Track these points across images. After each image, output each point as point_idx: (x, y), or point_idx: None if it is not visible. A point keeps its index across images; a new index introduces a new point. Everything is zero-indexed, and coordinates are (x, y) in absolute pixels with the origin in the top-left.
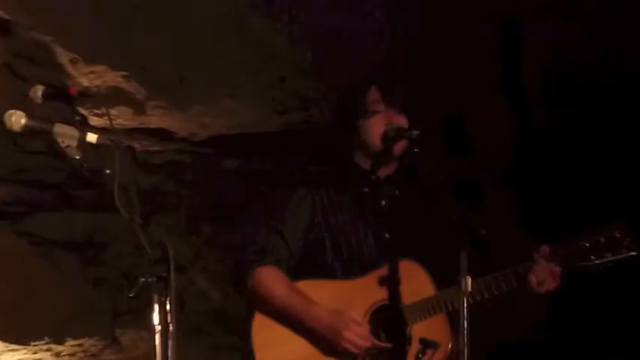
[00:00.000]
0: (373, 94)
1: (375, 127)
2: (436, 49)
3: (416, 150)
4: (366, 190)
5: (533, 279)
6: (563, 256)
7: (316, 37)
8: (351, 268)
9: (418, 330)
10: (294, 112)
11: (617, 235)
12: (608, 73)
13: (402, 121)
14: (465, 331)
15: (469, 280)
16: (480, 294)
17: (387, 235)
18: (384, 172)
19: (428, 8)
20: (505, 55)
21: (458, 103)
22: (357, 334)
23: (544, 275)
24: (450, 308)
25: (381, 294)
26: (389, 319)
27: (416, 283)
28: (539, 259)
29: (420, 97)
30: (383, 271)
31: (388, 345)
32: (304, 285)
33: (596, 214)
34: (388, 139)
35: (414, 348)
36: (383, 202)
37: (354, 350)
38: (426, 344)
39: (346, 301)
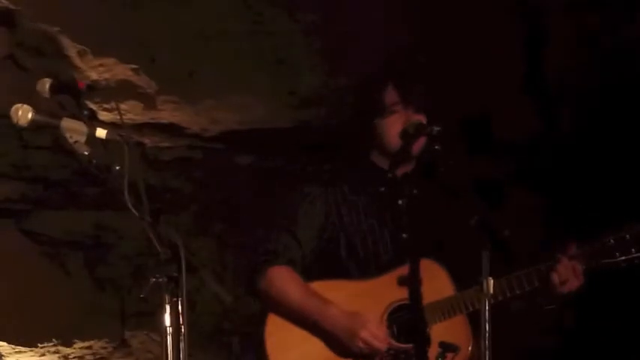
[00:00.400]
0: (391, 94)
1: (393, 127)
2: (458, 45)
3: (436, 147)
4: (383, 189)
5: (555, 277)
6: (588, 254)
7: (332, 31)
8: (367, 269)
9: (437, 331)
10: (308, 107)
11: None
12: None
13: (421, 119)
14: (487, 334)
15: (491, 281)
16: (502, 293)
17: (404, 235)
18: (401, 171)
19: (449, 3)
20: (529, 52)
21: (480, 101)
22: (374, 336)
23: (567, 274)
24: (471, 309)
25: (398, 294)
26: (408, 320)
27: (434, 282)
28: (562, 257)
29: (441, 95)
30: (401, 270)
31: (407, 346)
32: (319, 286)
33: (620, 215)
34: (408, 135)
35: (433, 350)
36: (400, 202)
37: (371, 352)
38: (445, 347)
39: (362, 302)
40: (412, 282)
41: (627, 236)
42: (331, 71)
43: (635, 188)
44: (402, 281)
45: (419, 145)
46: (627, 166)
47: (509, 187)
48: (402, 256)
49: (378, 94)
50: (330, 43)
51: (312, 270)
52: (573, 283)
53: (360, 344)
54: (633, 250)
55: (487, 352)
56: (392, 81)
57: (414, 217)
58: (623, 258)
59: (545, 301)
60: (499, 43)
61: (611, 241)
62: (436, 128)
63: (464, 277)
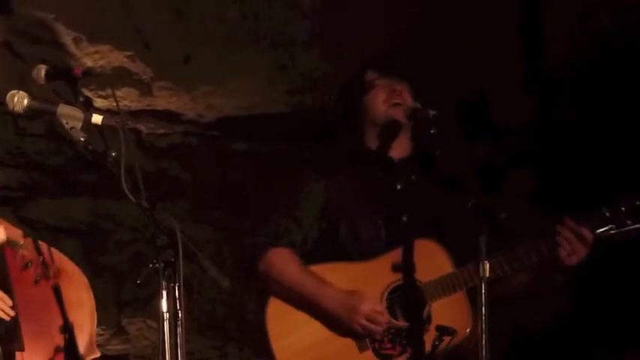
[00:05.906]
0: (370, 74)
1: (377, 97)
2: (455, 29)
3: (433, 131)
4: (381, 174)
5: (562, 252)
6: (585, 227)
7: (329, 16)
8: (366, 253)
9: (438, 311)
10: (306, 92)
11: (638, 203)
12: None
13: (402, 89)
14: (484, 317)
15: (487, 265)
16: (501, 268)
17: (404, 218)
18: (398, 154)
19: None
20: (526, 29)
21: (478, 85)
22: (375, 311)
23: (571, 244)
24: (470, 285)
25: (397, 274)
26: (406, 298)
27: (433, 261)
28: (563, 230)
29: (438, 79)
30: (398, 251)
31: (406, 324)
32: (318, 269)
33: (616, 196)
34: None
35: (431, 333)
36: (398, 187)
37: (373, 327)
38: (442, 331)
39: (362, 283)
40: (407, 261)
41: (622, 208)
42: (328, 56)
43: (632, 168)
44: (398, 261)
45: (400, 112)
46: (625, 147)
47: (508, 171)
48: (400, 239)
49: (361, 76)
50: (328, 29)
51: (313, 254)
52: (581, 250)
53: (361, 320)
54: (629, 222)
55: (484, 336)
56: (371, 65)
57: (413, 201)
58: (621, 229)
59: (555, 274)
60: (497, 27)
61: (607, 213)
62: (432, 112)
63: (463, 258)
